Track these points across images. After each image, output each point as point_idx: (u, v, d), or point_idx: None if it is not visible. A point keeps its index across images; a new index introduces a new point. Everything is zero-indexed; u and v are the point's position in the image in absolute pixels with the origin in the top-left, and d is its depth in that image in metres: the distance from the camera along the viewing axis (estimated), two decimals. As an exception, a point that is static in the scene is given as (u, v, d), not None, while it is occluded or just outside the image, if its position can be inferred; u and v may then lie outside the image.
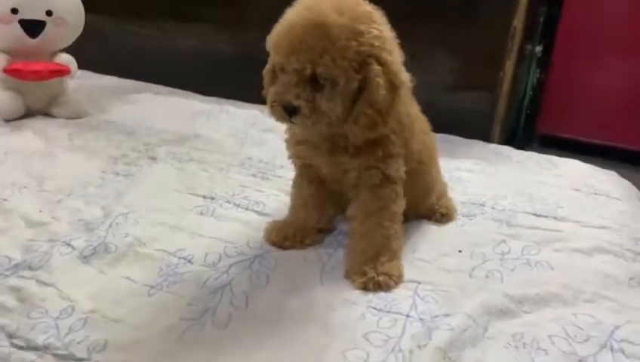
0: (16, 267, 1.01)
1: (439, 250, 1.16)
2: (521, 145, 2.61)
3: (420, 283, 1.04)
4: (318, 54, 0.93)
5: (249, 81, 2.29)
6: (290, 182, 1.44)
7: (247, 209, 1.31)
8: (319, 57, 0.93)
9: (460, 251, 1.16)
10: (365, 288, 1.01)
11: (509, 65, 2.03)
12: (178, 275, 1.02)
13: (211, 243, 1.14)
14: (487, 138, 2.07)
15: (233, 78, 2.41)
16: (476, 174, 1.62)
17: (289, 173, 1.51)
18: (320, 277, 1.05)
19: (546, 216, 1.35)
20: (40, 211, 1.19)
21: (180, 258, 1.07)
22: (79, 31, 1.88)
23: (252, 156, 1.61)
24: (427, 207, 1.27)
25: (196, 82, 2.31)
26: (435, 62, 2.07)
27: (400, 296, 0.99)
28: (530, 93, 2.84)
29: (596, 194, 1.55)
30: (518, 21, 1.98)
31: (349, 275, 1.05)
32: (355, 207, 1.10)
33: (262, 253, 1.12)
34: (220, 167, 1.52)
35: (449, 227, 1.28)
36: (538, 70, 2.86)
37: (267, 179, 1.48)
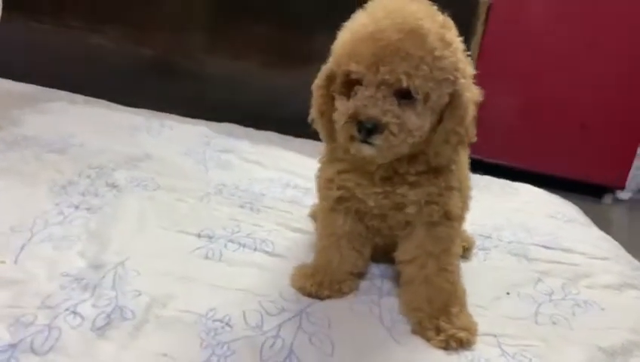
0: (12, 350, 0.71)
1: (487, 293, 1.07)
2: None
3: (495, 335, 0.92)
4: (415, 65, 0.79)
5: (166, 89, 2.10)
6: (285, 214, 1.28)
7: (255, 249, 1.10)
8: (416, 68, 0.79)
9: (507, 293, 1.07)
10: (446, 347, 0.88)
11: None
12: (225, 345, 0.80)
13: (239, 297, 0.93)
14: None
15: (148, 85, 2.14)
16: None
17: (277, 202, 1.34)
18: (389, 333, 0.89)
19: (553, 248, 1.32)
20: (2, 262, 0.89)
21: (215, 321, 0.85)
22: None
23: (225, 182, 1.39)
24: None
25: (108, 89, 1.99)
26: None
27: (490, 355, 0.87)
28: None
29: (570, 221, 1.57)
30: (474, 47, 1.98)
31: (420, 331, 0.91)
32: (410, 248, 0.95)
33: (303, 307, 0.93)
34: (198, 197, 1.28)
35: (475, 264, 1.20)
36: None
37: (258, 210, 1.27)
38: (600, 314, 1.04)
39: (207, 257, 1.04)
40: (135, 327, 0.80)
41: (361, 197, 0.95)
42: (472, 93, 0.88)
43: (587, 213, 2.85)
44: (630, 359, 0.92)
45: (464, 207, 1.01)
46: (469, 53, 0.89)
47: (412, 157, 0.89)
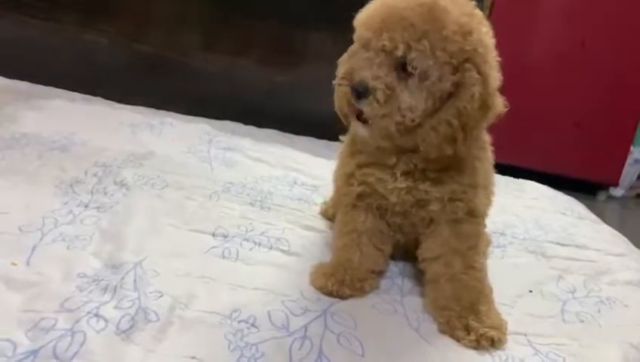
0: (33, 356, 0.67)
1: (509, 291, 1.05)
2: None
3: (525, 334, 0.90)
4: (417, 37, 0.77)
5: (161, 86, 2.05)
6: (295, 212, 1.25)
7: (271, 248, 1.07)
8: (417, 40, 0.77)
9: (530, 291, 1.05)
10: (477, 347, 0.85)
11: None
12: (253, 347, 0.77)
13: (261, 297, 0.89)
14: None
15: (144, 82, 2.09)
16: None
17: (287, 201, 1.31)
18: (417, 333, 0.87)
19: (568, 245, 1.31)
20: (13, 264, 0.84)
21: (240, 321, 0.82)
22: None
23: (232, 180, 1.36)
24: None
25: (103, 86, 1.94)
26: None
27: (523, 354, 0.85)
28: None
29: (581, 218, 1.56)
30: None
31: (448, 330, 0.88)
32: (434, 246, 0.93)
33: (326, 307, 0.90)
34: (207, 195, 1.25)
35: (493, 261, 1.17)
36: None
37: (268, 208, 1.24)
38: (625, 311, 1.03)
39: (223, 256, 1.00)
40: (159, 330, 0.77)
41: (382, 192, 0.92)
42: (490, 96, 0.84)
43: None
44: (660, 355, 0.90)
45: (489, 203, 0.99)
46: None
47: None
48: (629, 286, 1.13)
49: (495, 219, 1.38)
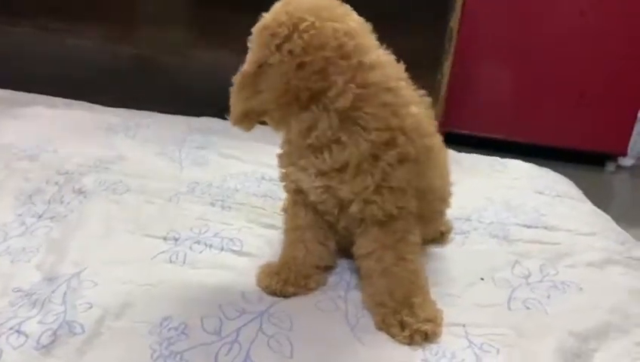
0: None
1: (460, 280, 1.03)
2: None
3: (464, 325, 0.89)
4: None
5: (149, 87, 2.07)
6: (258, 210, 1.25)
7: (222, 249, 1.08)
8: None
9: (482, 279, 1.04)
10: (411, 342, 0.85)
11: (446, 67, 1.97)
12: (178, 355, 0.78)
13: (200, 302, 0.90)
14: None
15: (130, 83, 2.11)
16: (443, 184, 1.52)
17: (250, 197, 1.31)
18: (352, 331, 0.86)
19: (536, 227, 1.29)
20: (-48, 281, 0.87)
21: (170, 329, 0.83)
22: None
23: (199, 180, 1.36)
24: (433, 231, 1.14)
25: (89, 90, 1.97)
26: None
27: (455, 347, 0.84)
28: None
29: (559, 196, 1.52)
30: (454, 22, 1.92)
31: (384, 327, 0.88)
32: (366, 242, 0.92)
33: (266, 308, 0.91)
34: (168, 197, 1.26)
35: (452, 249, 1.16)
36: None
37: (229, 208, 1.25)
38: (578, 296, 1.00)
39: (170, 261, 1.01)
40: (85, 342, 0.78)
41: (305, 190, 0.93)
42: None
43: (589, 182, 2.81)
44: (606, 341, 0.88)
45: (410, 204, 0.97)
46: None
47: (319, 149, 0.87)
48: (590, 268, 1.11)
49: (464, 204, 1.36)
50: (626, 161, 3.11)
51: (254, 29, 0.86)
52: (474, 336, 0.86)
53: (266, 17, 0.85)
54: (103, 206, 1.17)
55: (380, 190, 0.87)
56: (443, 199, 1.02)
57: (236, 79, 0.88)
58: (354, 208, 0.90)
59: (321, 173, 0.89)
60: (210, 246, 1.08)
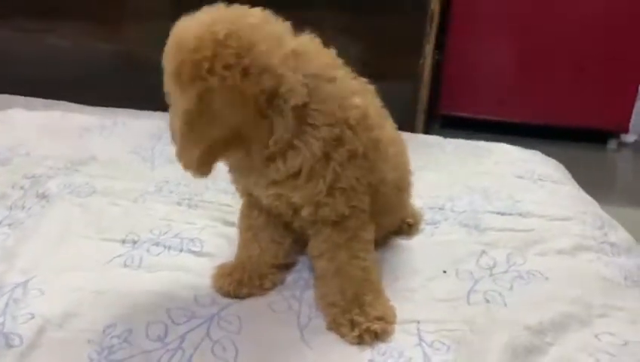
0: None
1: (422, 273, 1.01)
2: (425, 129, 2.57)
3: (418, 321, 0.87)
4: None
5: (133, 84, 2.05)
6: (225, 208, 1.23)
7: (181, 250, 1.06)
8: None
9: (444, 272, 1.01)
10: (361, 342, 0.83)
11: (428, 50, 1.92)
12: (117, 365, 0.76)
13: (149, 307, 0.89)
14: (411, 129, 1.96)
15: (114, 81, 2.10)
16: (420, 172, 1.47)
17: (219, 195, 1.29)
18: (300, 333, 0.84)
19: (510, 214, 1.25)
20: None
21: (112, 337, 0.81)
22: None
23: (169, 179, 1.35)
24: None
25: (71, 89, 1.96)
26: (349, 52, 1.92)
27: (405, 346, 0.82)
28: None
29: (540, 180, 1.49)
30: (435, 4, 1.87)
31: (333, 327, 0.86)
32: (319, 243, 0.89)
33: (217, 311, 0.89)
34: (134, 198, 1.24)
35: (420, 240, 1.13)
36: (436, 52, 2.82)
37: (196, 206, 1.23)
38: (541, 286, 0.97)
39: (125, 265, 1.00)
40: (23, 354, 0.77)
41: (256, 195, 0.91)
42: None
43: (591, 160, 2.76)
44: (564, 334, 0.85)
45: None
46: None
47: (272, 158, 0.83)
48: (560, 256, 1.07)
49: (438, 193, 1.34)
50: (629, 138, 3.04)
51: (167, 75, 0.79)
52: (426, 333, 0.84)
53: (173, 56, 0.78)
54: (65, 210, 1.16)
55: (331, 192, 0.84)
56: (399, 190, 0.99)
57: (176, 126, 0.80)
58: (305, 212, 0.87)
59: (273, 183, 0.86)
60: (169, 247, 1.06)
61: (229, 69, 0.74)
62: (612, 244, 1.15)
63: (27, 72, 2.04)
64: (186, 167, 0.80)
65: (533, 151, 1.73)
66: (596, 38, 2.78)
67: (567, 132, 2.92)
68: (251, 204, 0.96)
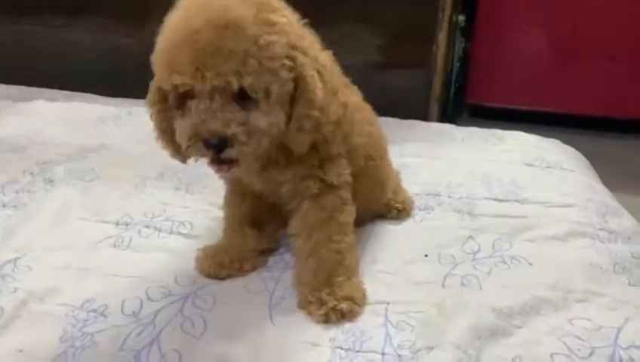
0: None
1: (403, 257, 1.00)
2: (452, 119, 2.53)
3: (388, 303, 0.87)
4: (242, 61, 0.72)
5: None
6: (222, 192, 1.25)
7: (171, 233, 1.09)
8: (244, 65, 0.72)
9: (426, 256, 1.01)
10: (327, 321, 0.83)
11: (442, 38, 1.90)
12: (87, 337, 0.80)
13: (129, 284, 0.92)
14: (424, 117, 1.95)
15: (136, 75, 2.15)
16: (424, 159, 1.48)
17: (218, 181, 1.31)
18: (269, 312, 0.86)
19: (508, 201, 1.23)
20: None
21: (89, 311, 0.85)
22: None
23: (172, 165, 1.38)
24: (382, 204, 1.11)
25: (94, 83, 2.03)
26: (362, 41, 1.91)
27: (369, 325, 0.82)
28: (457, 64, 2.75)
29: (549, 167, 1.46)
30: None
31: (303, 305, 0.87)
32: (296, 222, 0.91)
33: (194, 289, 0.91)
34: (135, 183, 1.29)
35: (408, 225, 1.13)
36: (463, 40, 2.77)
37: (193, 191, 1.26)
38: (522, 271, 0.96)
39: (114, 246, 1.04)
40: (2, 325, 0.81)
41: (246, 182, 0.94)
42: (320, 65, 0.80)
43: (620, 151, 2.65)
44: (535, 317, 0.83)
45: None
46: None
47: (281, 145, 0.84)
48: (551, 242, 1.05)
49: (438, 181, 1.33)
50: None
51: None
52: (393, 314, 0.84)
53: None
54: (66, 193, 1.21)
55: (323, 163, 0.87)
56: (371, 159, 0.99)
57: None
58: (286, 188, 0.89)
59: (263, 168, 0.88)
60: (160, 229, 1.10)
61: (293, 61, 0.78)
62: (611, 231, 1.12)
63: (52, 67, 2.12)
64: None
65: (551, 139, 1.69)
66: (628, 25, 2.69)
67: (597, 121, 2.84)
68: (236, 191, 0.99)
